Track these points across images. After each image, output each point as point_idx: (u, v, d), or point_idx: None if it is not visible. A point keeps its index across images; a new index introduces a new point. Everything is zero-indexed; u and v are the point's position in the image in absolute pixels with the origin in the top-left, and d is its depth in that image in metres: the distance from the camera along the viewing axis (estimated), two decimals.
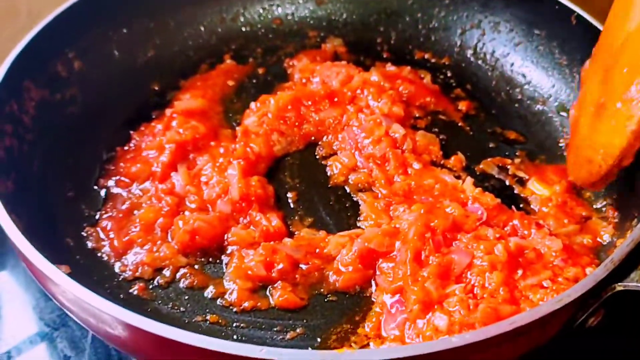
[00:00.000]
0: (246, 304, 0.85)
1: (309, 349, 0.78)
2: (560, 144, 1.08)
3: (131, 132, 1.07)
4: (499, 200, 0.95)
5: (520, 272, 0.81)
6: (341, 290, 0.87)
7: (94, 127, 1.07)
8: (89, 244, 0.93)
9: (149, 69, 1.19)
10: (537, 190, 1.00)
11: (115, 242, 0.91)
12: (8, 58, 0.95)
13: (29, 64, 0.98)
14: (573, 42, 1.11)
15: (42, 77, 1.01)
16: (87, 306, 0.66)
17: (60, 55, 1.05)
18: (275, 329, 0.82)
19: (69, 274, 0.69)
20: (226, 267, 0.89)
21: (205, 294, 0.87)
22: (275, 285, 0.86)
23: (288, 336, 0.81)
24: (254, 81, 1.21)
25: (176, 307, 0.85)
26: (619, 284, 0.69)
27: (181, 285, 0.88)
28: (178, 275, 0.89)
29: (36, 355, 1.00)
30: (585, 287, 0.67)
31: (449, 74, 1.23)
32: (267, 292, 0.87)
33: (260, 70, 1.22)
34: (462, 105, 1.15)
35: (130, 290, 0.87)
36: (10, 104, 0.93)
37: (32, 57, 0.98)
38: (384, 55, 1.27)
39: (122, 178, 1.01)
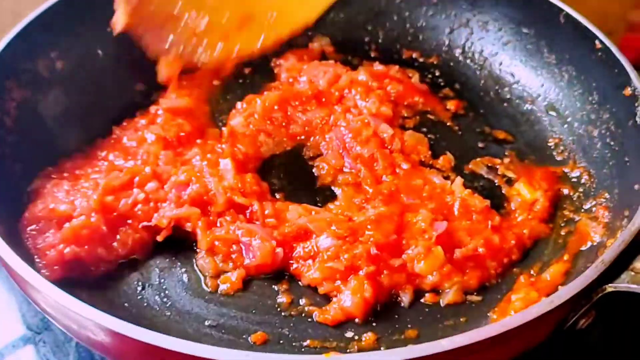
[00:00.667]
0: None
1: None
2: (549, 144, 1.08)
3: (113, 126, 1.05)
4: (488, 202, 0.94)
5: None
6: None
7: (78, 129, 1.04)
8: None
9: (133, 69, 1.16)
10: (522, 193, 0.99)
11: None
12: None
13: (10, 63, 0.96)
14: (562, 41, 1.11)
15: (24, 77, 0.99)
16: (68, 312, 0.64)
17: (42, 55, 1.03)
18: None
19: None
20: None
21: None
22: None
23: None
24: (240, 81, 1.19)
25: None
26: (610, 285, 0.69)
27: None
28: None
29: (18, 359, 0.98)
30: (576, 288, 0.67)
31: (437, 73, 1.22)
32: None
33: (247, 70, 1.20)
34: (451, 105, 1.15)
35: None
36: None
37: (13, 57, 0.96)
38: (372, 55, 1.25)
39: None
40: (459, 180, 0.98)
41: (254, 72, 1.21)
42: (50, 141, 1.00)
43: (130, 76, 1.15)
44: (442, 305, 0.84)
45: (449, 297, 0.84)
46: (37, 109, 1.00)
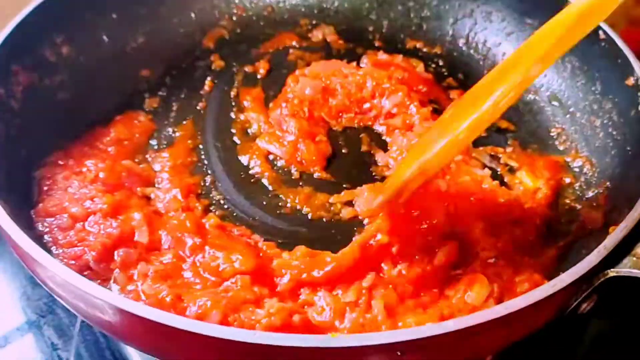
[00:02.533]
0: None
1: None
2: (551, 134, 1.08)
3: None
4: (514, 194, 0.95)
5: None
6: None
7: (84, 113, 1.05)
8: None
9: (139, 55, 1.17)
10: (524, 182, 1.00)
11: None
12: None
13: (17, 48, 0.96)
14: None
15: (31, 61, 0.99)
16: (77, 291, 0.64)
17: (48, 40, 1.03)
18: None
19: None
20: None
21: None
22: None
23: None
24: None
25: None
26: (612, 270, 0.70)
27: None
28: None
29: (23, 344, 0.99)
30: (578, 272, 0.67)
31: (440, 63, 1.23)
32: None
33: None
34: (454, 95, 1.15)
35: None
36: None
37: (20, 42, 0.96)
38: (376, 44, 1.26)
39: None
40: (487, 171, 0.98)
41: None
42: (56, 125, 1.00)
43: (136, 62, 1.16)
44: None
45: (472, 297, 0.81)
46: (44, 94, 1.01)
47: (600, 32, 1.02)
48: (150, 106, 1.11)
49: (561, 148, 1.05)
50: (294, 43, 1.26)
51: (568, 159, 1.03)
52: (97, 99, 1.07)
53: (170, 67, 1.18)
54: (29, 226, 0.84)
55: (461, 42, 1.25)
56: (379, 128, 1.08)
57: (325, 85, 1.10)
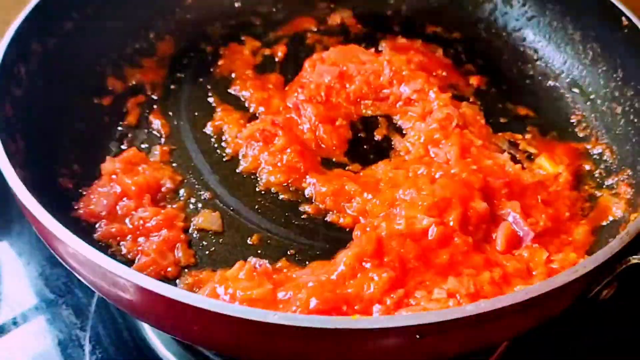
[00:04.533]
0: None
1: None
2: (571, 121, 1.07)
3: None
4: (540, 175, 0.95)
5: None
6: None
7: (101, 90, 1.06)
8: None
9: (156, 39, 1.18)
10: (544, 167, 0.99)
11: None
12: (16, 20, 0.93)
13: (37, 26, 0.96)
14: (587, 17, 1.10)
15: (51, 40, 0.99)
16: (100, 269, 0.65)
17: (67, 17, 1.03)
18: None
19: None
20: None
21: None
22: None
23: None
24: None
25: None
26: (634, 257, 0.69)
27: None
28: None
29: (42, 322, 1.00)
30: (600, 259, 0.67)
31: (460, 49, 1.22)
32: None
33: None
34: (473, 80, 1.14)
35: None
36: (17, 67, 0.91)
37: (40, 20, 0.96)
38: (394, 29, 1.25)
39: None
40: (507, 155, 0.98)
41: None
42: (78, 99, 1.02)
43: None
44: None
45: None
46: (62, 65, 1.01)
47: (624, 19, 1.01)
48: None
49: (581, 135, 1.05)
50: (311, 27, 1.25)
51: (588, 146, 1.02)
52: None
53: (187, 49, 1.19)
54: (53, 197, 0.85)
55: (481, 27, 1.24)
56: (397, 115, 1.07)
57: (342, 71, 1.09)
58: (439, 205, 0.85)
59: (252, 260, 0.83)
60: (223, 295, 0.77)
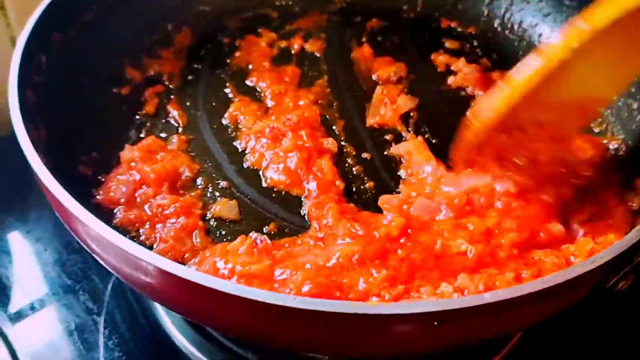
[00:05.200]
0: None
1: None
2: None
3: None
4: None
5: None
6: None
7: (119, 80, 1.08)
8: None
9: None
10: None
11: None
12: (37, 10, 0.94)
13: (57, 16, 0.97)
14: None
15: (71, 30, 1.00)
16: (122, 252, 0.66)
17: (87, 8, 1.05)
18: None
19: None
20: None
21: None
22: None
23: None
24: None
25: None
26: None
27: None
28: None
29: (59, 307, 1.01)
30: (618, 250, 0.67)
31: (475, 44, 1.22)
32: None
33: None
34: (495, 76, 1.13)
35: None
36: (39, 56, 0.92)
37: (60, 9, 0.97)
38: (409, 23, 1.26)
39: None
40: None
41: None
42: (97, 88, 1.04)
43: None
44: None
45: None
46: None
47: None
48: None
49: (597, 130, 1.05)
50: (327, 20, 1.26)
51: (604, 141, 1.02)
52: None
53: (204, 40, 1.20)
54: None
55: (496, 22, 1.24)
56: None
57: None
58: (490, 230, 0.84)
59: (254, 235, 0.84)
60: (222, 269, 0.79)
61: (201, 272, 0.70)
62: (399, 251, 0.81)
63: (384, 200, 0.91)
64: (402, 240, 0.83)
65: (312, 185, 0.93)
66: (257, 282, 0.76)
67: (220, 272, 0.78)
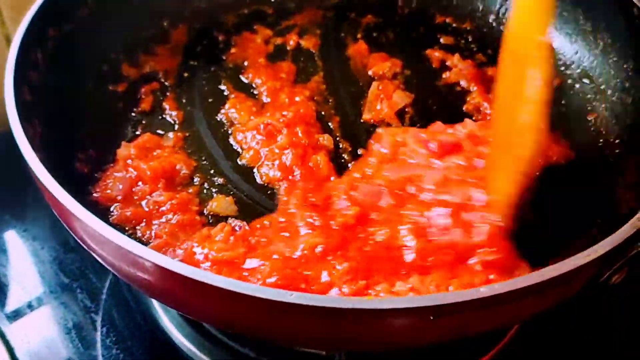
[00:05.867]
0: None
1: None
2: (581, 111, 1.08)
3: None
4: None
5: None
6: None
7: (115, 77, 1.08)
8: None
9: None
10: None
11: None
12: (33, 6, 0.94)
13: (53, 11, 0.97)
14: (598, 8, 1.10)
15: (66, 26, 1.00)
16: (120, 250, 0.66)
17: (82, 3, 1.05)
18: None
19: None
20: None
21: None
22: None
23: None
24: None
25: None
26: None
27: None
28: None
29: (56, 305, 1.02)
30: (612, 243, 0.68)
31: (470, 39, 1.22)
32: None
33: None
34: (491, 72, 1.14)
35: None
36: (35, 52, 0.92)
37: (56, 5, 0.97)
38: (404, 18, 1.26)
39: None
40: None
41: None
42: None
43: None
44: None
45: None
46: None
47: (635, 10, 1.01)
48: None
49: (591, 125, 1.05)
50: (322, 17, 1.26)
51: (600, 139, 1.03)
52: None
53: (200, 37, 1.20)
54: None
55: (491, 17, 1.24)
56: None
57: None
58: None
59: (233, 222, 0.86)
60: (198, 254, 0.80)
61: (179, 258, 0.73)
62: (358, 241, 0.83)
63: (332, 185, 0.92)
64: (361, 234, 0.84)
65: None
66: (227, 270, 0.78)
67: (196, 257, 0.80)
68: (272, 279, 0.76)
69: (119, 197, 0.90)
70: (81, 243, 0.75)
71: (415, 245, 0.81)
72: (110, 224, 0.86)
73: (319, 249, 0.80)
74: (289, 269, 0.78)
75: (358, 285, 0.76)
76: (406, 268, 0.79)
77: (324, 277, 0.77)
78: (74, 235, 0.75)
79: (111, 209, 0.89)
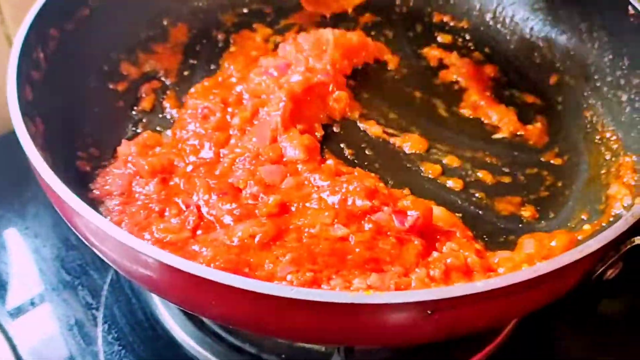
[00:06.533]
0: None
1: None
2: (578, 108, 1.09)
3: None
4: None
5: None
6: None
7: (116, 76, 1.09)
8: None
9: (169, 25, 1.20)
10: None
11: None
12: (34, 6, 0.95)
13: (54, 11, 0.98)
14: (594, 6, 1.11)
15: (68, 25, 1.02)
16: (122, 246, 0.67)
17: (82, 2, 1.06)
18: None
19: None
20: None
21: None
22: None
23: None
24: None
25: None
26: (638, 237, 0.71)
27: None
28: None
29: (58, 302, 1.03)
30: (605, 239, 0.69)
31: (467, 37, 1.23)
32: None
33: None
34: (488, 70, 1.16)
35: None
36: (36, 51, 0.93)
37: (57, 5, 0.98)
38: (400, 17, 1.27)
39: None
40: None
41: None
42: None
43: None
44: None
45: None
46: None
47: (630, 8, 1.02)
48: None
49: (587, 122, 1.06)
50: (321, 15, 1.27)
51: (597, 137, 1.04)
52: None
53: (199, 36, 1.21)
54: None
55: (488, 16, 1.25)
56: None
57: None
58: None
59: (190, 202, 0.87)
60: (147, 234, 0.82)
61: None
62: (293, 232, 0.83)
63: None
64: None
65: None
66: (170, 250, 0.79)
67: (146, 237, 0.82)
68: (216, 263, 0.77)
69: (116, 193, 0.90)
70: (83, 240, 0.76)
71: (352, 236, 0.81)
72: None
73: (257, 238, 0.81)
74: (233, 254, 0.79)
75: (305, 278, 0.76)
76: (353, 263, 0.79)
77: (267, 265, 0.78)
78: (76, 232, 0.76)
79: (107, 205, 0.90)
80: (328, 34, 1.12)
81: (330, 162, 0.94)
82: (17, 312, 1.01)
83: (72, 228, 0.76)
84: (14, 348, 0.96)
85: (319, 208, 0.86)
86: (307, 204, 0.87)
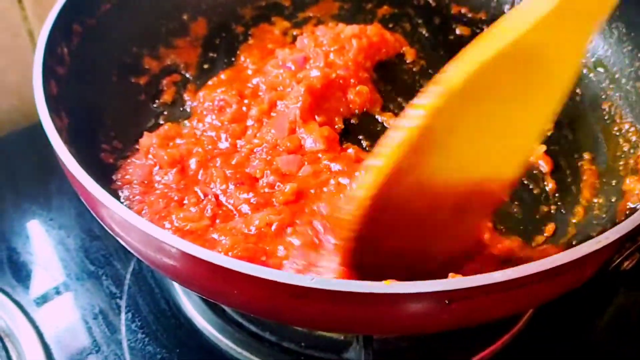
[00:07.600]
0: None
1: None
2: (595, 99, 1.09)
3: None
4: None
5: None
6: None
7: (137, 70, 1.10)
8: None
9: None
10: None
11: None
12: (57, 3, 0.97)
13: (77, 7, 1.00)
14: None
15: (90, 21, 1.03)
16: (146, 236, 0.69)
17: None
18: None
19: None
20: None
21: None
22: None
23: None
24: None
25: None
26: None
27: None
28: None
29: (83, 291, 1.05)
30: (623, 230, 0.69)
31: (485, 29, 1.23)
32: None
33: None
34: None
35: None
36: (60, 47, 0.95)
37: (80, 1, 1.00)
38: (418, 9, 1.27)
39: None
40: None
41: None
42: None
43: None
44: None
45: None
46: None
47: None
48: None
49: (605, 113, 1.06)
50: (339, 8, 1.28)
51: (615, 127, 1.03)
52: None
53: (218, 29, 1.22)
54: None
55: (506, 7, 1.25)
56: None
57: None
58: None
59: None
60: (167, 223, 0.85)
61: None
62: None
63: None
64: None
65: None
66: (190, 239, 0.80)
67: (166, 226, 0.85)
68: (234, 251, 0.79)
69: (136, 182, 0.93)
70: (108, 230, 0.78)
71: None
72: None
73: (274, 226, 0.83)
74: (252, 243, 0.81)
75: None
76: None
77: (281, 251, 0.80)
78: (101, 222, 0.78)
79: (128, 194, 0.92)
80: (348, 30, 1.12)
81: (350, 150, 0.96)
82: (43, 300, 1.04)
83: (98, 219, 0.78)
84: (40, 335, 0.99)
85: (336, 191, 0.87)
86: (325, 189, 0.89)
